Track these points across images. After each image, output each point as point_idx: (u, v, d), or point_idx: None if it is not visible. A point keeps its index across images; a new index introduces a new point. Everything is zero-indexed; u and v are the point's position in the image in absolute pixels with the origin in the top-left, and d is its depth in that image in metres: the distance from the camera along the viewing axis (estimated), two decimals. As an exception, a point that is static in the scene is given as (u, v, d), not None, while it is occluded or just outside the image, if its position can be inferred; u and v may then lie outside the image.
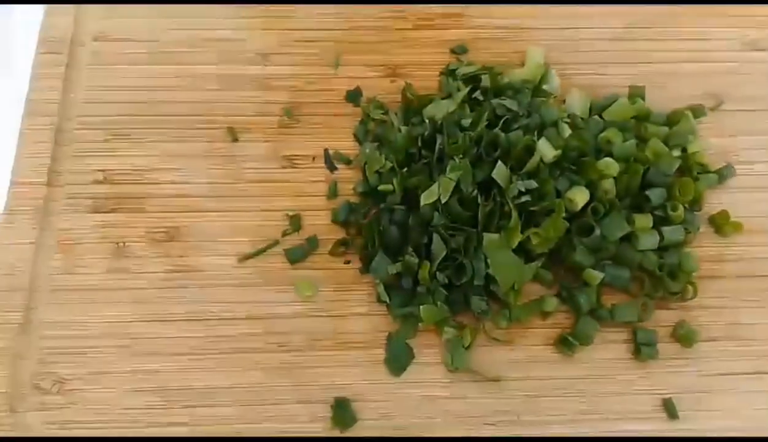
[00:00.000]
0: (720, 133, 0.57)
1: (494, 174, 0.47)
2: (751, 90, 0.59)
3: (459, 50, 0.59)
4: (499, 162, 0.47)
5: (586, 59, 0.59)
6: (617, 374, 0.48)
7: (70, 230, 0.51)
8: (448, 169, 0.48)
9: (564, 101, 0.56)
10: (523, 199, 0.47)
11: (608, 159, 0.49)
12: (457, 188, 0.47)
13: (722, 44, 0.60)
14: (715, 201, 0.54)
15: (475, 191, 0.47)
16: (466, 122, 0.50)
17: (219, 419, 0.46)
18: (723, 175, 0.54)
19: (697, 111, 0.56)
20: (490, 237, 0.47)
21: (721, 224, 0.52)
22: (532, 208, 0.47)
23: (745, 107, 0.58)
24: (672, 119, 0.54)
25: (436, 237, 0.47)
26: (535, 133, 0.50)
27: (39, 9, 0.59)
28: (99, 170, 0.53)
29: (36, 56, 0.58)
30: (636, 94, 0.55)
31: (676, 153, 0.53)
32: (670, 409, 0.46)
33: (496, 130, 0.49)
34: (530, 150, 0.48)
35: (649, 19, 0.61)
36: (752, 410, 0.47)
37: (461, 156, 0.48)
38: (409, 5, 0.61)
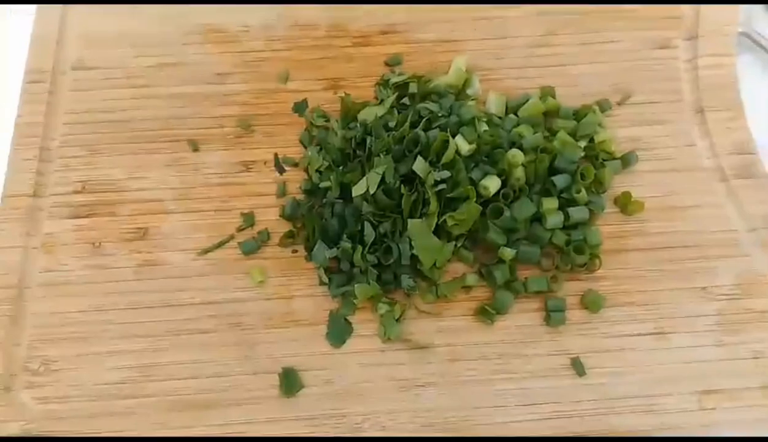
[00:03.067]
0: (627, 124, 0.63)
1: (414, 167, 0.54)
2: (658, 85, 0.65)
3: (393, 62, 0.66)
4: (419, 157, 0.54)
5: (507, 65, 0.66)
6: (531, 338, 0.54)
7: (53, 233, 0.59)
8: (374, 164, 0.55)
9: (484, 103, 0.63)
10: (440, 187, 0.53)
11: (516, 150, 0.56)
12: (382, 181, 0.54)
13: (630, 44, 0.67)
14: (621, 184, 0.60)
15: (399, 183, 0.54)
16: (392, 124, 0.57)
17: (185, 390, 0.52)
18: (627, 160, 0.60)
19: (604, 105, 0.62)
20: (413, 222, 0.53)
21: (624, 203, 0.58)
22: (449, 196, 0.54)
23: (651, 100, 0.64)
24: (580, 113, 0.61)
25: (366, 224, 0.54)
26: (453, 130, 0.56)
27: (25, 42, 0.67)
28: (78, 181, 0.61)
29: (23, 85, 0.65)
30: (547, 93, 0.62)
31: (583, 143, 0.60)
32: (577, 367, 0.52)
33: (418, 129, 0.56)
34: (447, 145, 0.55)
35: (563, 21, 0.67)
36: (652, 365, 0.53)
37: (386, 153, 0.55)
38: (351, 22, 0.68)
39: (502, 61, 0.66)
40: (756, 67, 0.69)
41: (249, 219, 0.59)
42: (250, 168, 0.62)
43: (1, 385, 0.53)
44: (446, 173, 0.53)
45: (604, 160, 0.59)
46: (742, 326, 0.54)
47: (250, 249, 0.58)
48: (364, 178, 0.54)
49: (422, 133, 0.55)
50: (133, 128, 0.63)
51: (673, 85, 0.64)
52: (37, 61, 0.66)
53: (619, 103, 0.63)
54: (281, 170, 0.61)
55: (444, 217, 0.53)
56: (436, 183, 0.53)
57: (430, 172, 0.53)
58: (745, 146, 0.61)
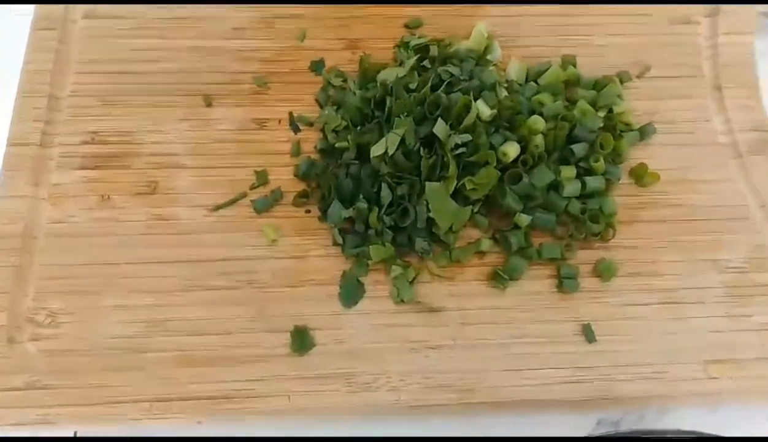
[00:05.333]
0: (646, 97, 0.63)
1: (435, 129, 0.53)
2: (678, 59, 0.65)
3: (413, 25, 0.65)
4: (440, 119, 0.54)
5: (527, 33, 0.65)
6: (543, 304, 0.54)
7: (61, 184, 0.57)
8: (394, 125, 0.54)
9: (505, 69, 0.62)
10: (459, 151, 0.53)
11: (537, 117, 0.55)
12: (402, 143, 0.53)
13: (653, 18, 0.67)
14: (638, 156, 0.60)
15: (418, 145, 0.54)
16: (413, 85, 0.57)
17: (194, 346, 0.52)
18: (645, 132, 0.60)
19: (624, 76, 0.62)
20: (431, 185, 0.53)
21: (640, 175, 0.58)
22: (468, 160, 0.54)
23: (670, 74, 0.64)
24: (600, 84, 0.61)
25: (383, 185, 0.54)
26: (474, 94, 0.56)
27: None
28: (88, 132, 0.59)
29: (32, 32, 0.64)
30: (568, 61, 0.62)
31: (603, 114, 0.59)
32: (587, 334, 0.53)
33: (439, 91, 0.55)
34: (468, 109, 0.54)
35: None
36: (660, 333, 0.53)
37: (406, 114, 0.54)
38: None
39: (522, 28, 0.65)
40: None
41: (262, 177, 0.58)
42: (264, 126, 0.61)
43: (5, 336, 0.52)
44: (467, 137, 0.53)
45: (621, 131, 0.59)
46: (750, 299, 0.55)
47: (263, 207, 0.57)
48: (384, 138, 0.54)
49: (443, 96, 0.54)
50: (146, 81, 0.62)
51: (693, 60, 0.65)
52: (46, 9, 0.64)
53: (638, 76, 0.63)
54: (296, 129, 0.60)
55: (462, 181, 0.53)
56: (456, 146, 0.53)
57: (450, 135, 0.53)
58: (759, 124, 0.62)
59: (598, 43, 0.65)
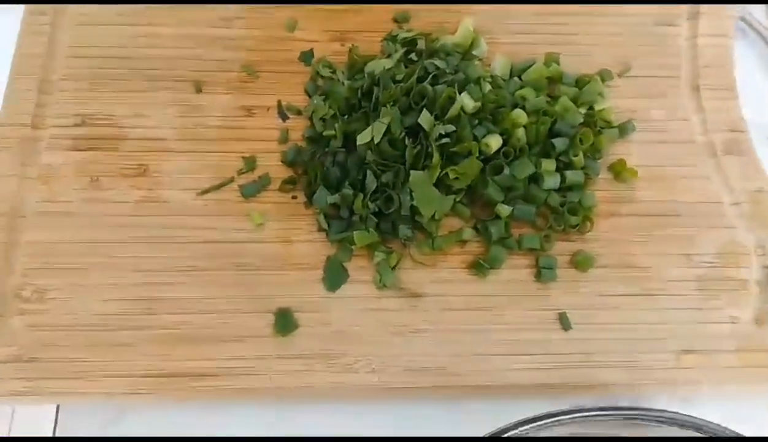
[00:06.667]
0: (626, 95, 0.64)
1: (420, 120, 0.54)
2: (659, 59, 0.66)
3: (401, 18, 0.66)
4: (425, 110, 0.55)
5: (513, 30, 0.67)
6: (521, 293, 0.55)
7: (51, 164, 0.58)
8: (380, 115, 0.55)
9: (489, 64, 0.64)
10: (443, 141, 0.54)
11: (519, 110, 0.57)
12: (388, 131, 0.55)
13: (636, 18, 0.68)
14: (617, 152, 0.62)
15: (404, 134, 0.55)
16: (400, 77, 0.58)
17: (181, 325, 0.53)
18: (624, 129, 0.62)
19: (605, 75, 0.64)
20: (415, 173, 0.54)
21: (619, 170, 0.60)
22: (452, 150, 0.55)
23: (651, 74, 0.66)
24: (581, 81, 0.62)
25: (369, 172, 0.55)
26: (459, 87, 0.57)
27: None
28: (78, 115, 0.60)
29: (24, 16, 0.64)
30: (551, 59, 0.63)
31: (584, 110, 0.61)
32: (563, 321, 0.54)
33: (425, 83, 0.57)
34: (452, 101, 0.56)
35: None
36: (634, 323, 0.55)
37: (392, 104, 0.55)
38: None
39: (508, 25, 0.67)
40: (752, 51, 0.72)
41: (250, 163, 0.59)
42: (253, 113, 0.62)
43: (-8, 311, 0.53)
44: (451, 127, 0.54)
45: (601, 128, 0.61)
46: (721, 293, 0.56)
47: (251, 192, 0.58)
48: (370, 127, 0.55)
49: (429, 88, 0.56)
50: (136, 66, 0.63)
51: (673, 61, 0.66)
52: (38, -7, 0.65)
53: (619, 75, 0.65)
54: (284, 117, 0.62)
55: (446, 171, 0.54)
56: (440, 137, 0.54)
57: (434, 125, 0.54)
58: (735, 124, 0.64)
59: (581, 42, 0.66)
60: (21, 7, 0.65)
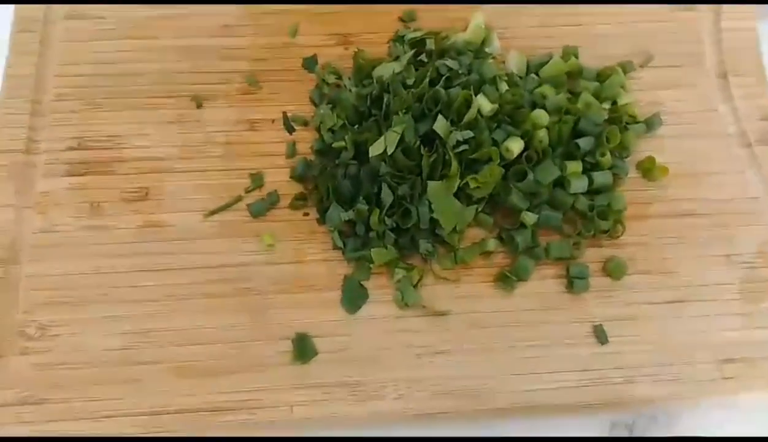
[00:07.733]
0: (650, 87, 0.61)
1: (435, 126, 0.51)
2: (680, 47, 0.63)
3: (407, 18, 0.63)
4: (440, 115, 0.52)
5: (526, 23, 0.63)
6: (552, 305, 0.52)
7: (48, 192, 0.55)
8: (393, 123, 0.52)
9: (504, 62, 0.60)
10: (462, 148, 0.51)
11: (540, 110, 0.54)
12: (402, 141, 0.51)
13: (653, 6, 0.65)
14: (644, 148, 0.58)
15: (418, 143, 0.52)
16: (411, 81, 0.55)
17: (190, 356, 0.50)
18: (651, 124, 0.58)
19: (627, 67, 0.60)
20: (433, 184, 0.51)
21: (648, 168, 0.57)
22: (471, 157, 0.52)
23: (674, 63, 0.62)
24: (603, 75, 0.59)
25: (384, 185, 0.52)
26: (474, 88, 0.54)
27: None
28: (73, 138, 0.57)
29: (12, 35, 0.61)
30: (569, 52, 0.60)
31: (607, 105, 0.58)
32: (600, 335, 0.51)
33: (438, 87, 0.53)
34: (469, 104, 0.52)
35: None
36: (673, 333, 0.52)
37: (405, 111, 0.52)
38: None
39: (519, 19, 0.63)
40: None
41: (258, 180, 0.56)
42: (257, 127, 0.59)
43: (-4, 350, 0.50)
44: (468, 133, 0.51)
45: (627, 123, 0.57)
46: (764, 296, 0.53)
47: (259, 211, 0.55)
48: (382, 137, 0.52)
49: (443, 91, 0.53)
50: (133, 82, 0.59)
51: (696, 48, 0.63)
52: (26, 10, 0.61)
53: (641, 66, 0.61)
54: (290, 129, 0.58)
55: (465, 180, 0.51)
56: (458, 143, 0.51)
57: (451, 132, 0.51)
58: (768, 112, 0.60)
59: (597, 32, 0.63)
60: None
